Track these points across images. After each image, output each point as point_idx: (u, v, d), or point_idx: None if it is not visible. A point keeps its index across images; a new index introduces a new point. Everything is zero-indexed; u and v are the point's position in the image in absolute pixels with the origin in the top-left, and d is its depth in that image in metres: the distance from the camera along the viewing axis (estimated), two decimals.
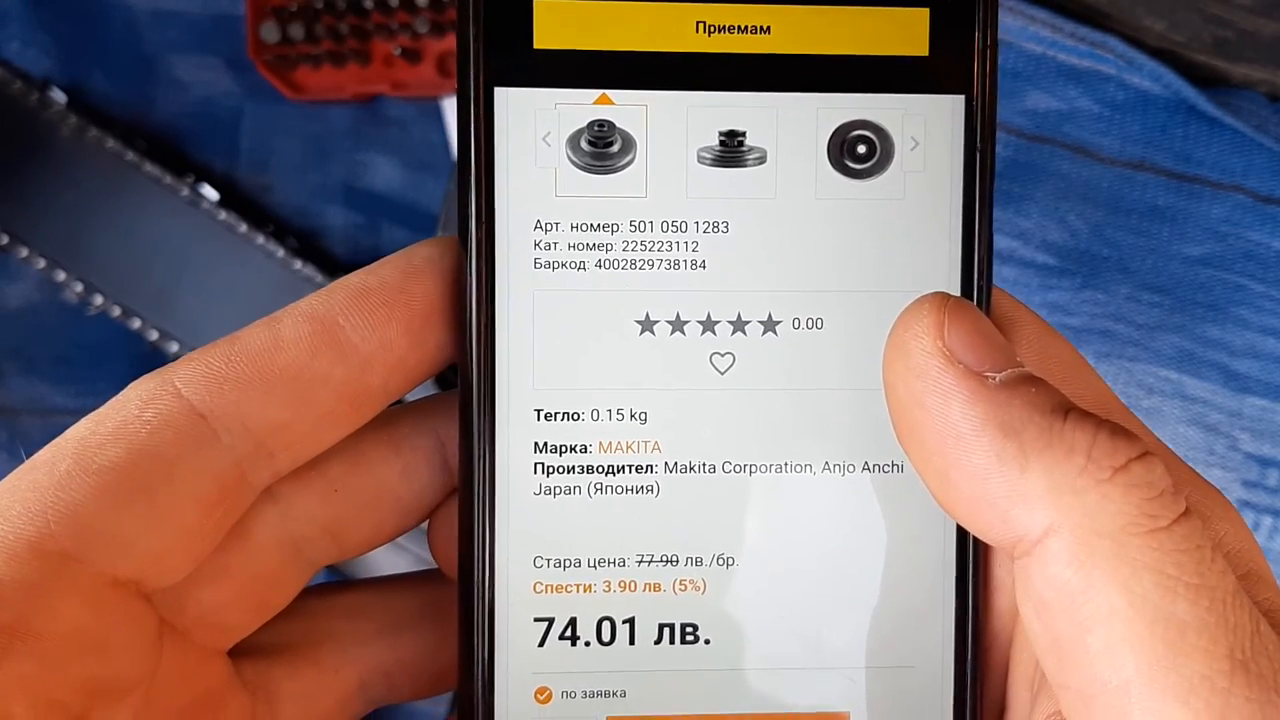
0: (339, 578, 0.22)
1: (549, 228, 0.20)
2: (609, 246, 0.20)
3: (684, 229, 0.20)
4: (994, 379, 0.17)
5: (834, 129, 0.20)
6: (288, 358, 0.18)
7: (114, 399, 0.18)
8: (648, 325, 0.20)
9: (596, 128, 0.20)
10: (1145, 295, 0.40)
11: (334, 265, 0.43)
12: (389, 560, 0.37)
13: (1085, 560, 0.16)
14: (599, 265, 0.20)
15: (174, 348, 0.42)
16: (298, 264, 0.41)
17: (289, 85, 0.43)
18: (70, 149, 0.42)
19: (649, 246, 0.20)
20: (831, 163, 0.20)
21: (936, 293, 0.18)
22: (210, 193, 0.42)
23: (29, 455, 0.18)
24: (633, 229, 0.20)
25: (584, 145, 0.20)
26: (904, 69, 0.20)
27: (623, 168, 0.20)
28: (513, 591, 0.20)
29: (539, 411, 0.20)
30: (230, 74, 0.44)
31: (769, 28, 0.20)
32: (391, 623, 0.22)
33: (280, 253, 0.41)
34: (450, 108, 0.42)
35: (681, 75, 0.20)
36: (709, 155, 0.20)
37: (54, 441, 0.18)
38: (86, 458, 0.18)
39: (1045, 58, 0.41)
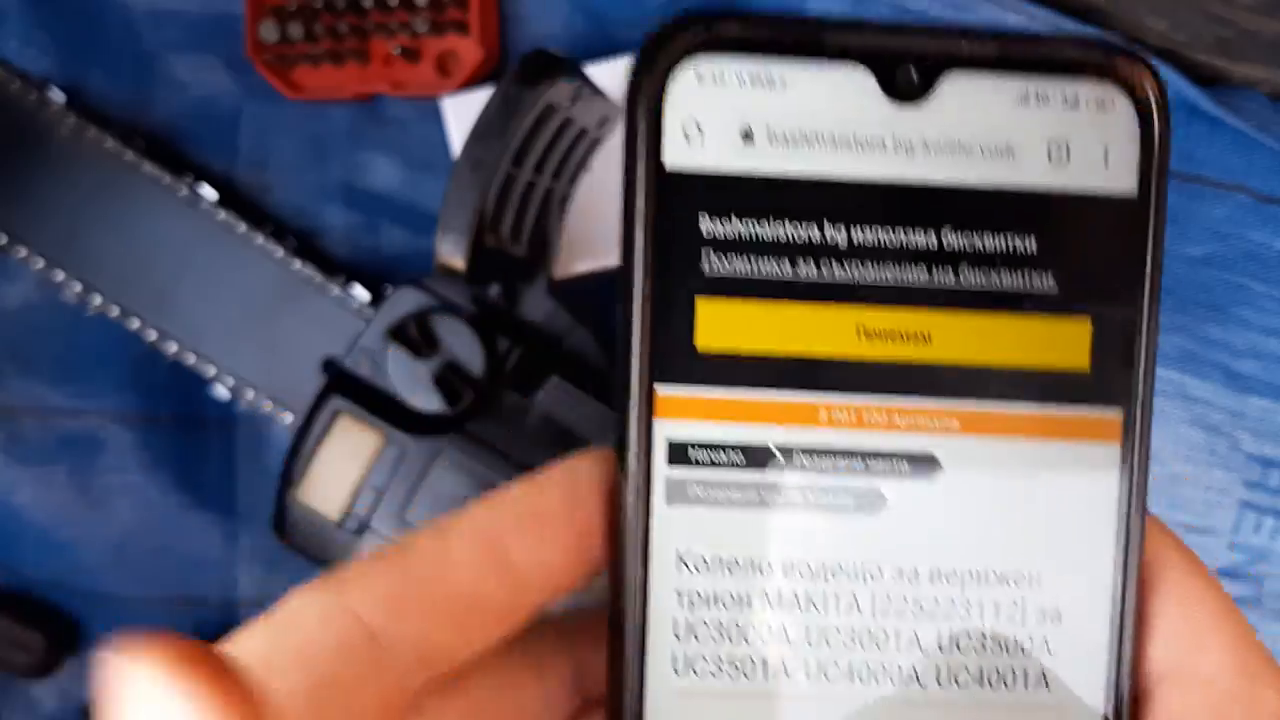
0: None
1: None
2: None
3: None
4: None
5: None
6: (458, 581, 0.19)
7: (286, 611, 0.18)
8: None
9: None
10: None
11: (333, 265, 0.42)
12: None
13: None
14: None
15: (173, 348, 0.42)
16: (297, 264, 0.41)
17: (288, 84, 0.42)
18: (69, 148, 0.42)
19: None
20: None
21: None
22: (209, 192, 0.41)
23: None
24: None
25: None
26: (1064, 383, 0.19)
27: None
28: None
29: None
30: (229, 73, 0.44)
31: (929, 335, 0.19)
32: None
33: (279, 252, 0.41)
34: (450, 107, 0.42)
35: (840, 380, 0.19)
36: None
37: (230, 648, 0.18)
38: (268, 683, 0.18)
39: None
